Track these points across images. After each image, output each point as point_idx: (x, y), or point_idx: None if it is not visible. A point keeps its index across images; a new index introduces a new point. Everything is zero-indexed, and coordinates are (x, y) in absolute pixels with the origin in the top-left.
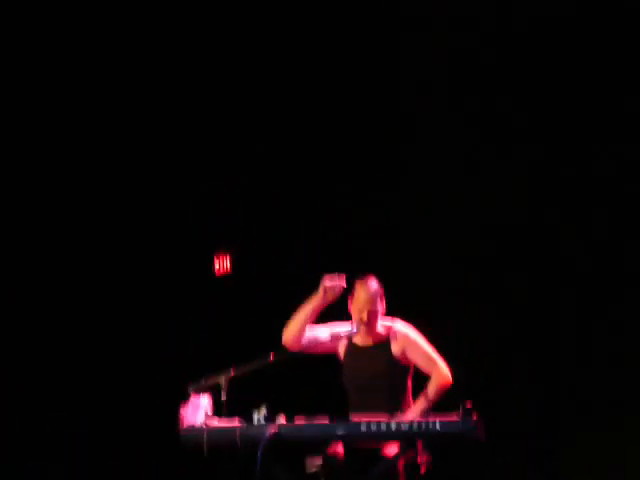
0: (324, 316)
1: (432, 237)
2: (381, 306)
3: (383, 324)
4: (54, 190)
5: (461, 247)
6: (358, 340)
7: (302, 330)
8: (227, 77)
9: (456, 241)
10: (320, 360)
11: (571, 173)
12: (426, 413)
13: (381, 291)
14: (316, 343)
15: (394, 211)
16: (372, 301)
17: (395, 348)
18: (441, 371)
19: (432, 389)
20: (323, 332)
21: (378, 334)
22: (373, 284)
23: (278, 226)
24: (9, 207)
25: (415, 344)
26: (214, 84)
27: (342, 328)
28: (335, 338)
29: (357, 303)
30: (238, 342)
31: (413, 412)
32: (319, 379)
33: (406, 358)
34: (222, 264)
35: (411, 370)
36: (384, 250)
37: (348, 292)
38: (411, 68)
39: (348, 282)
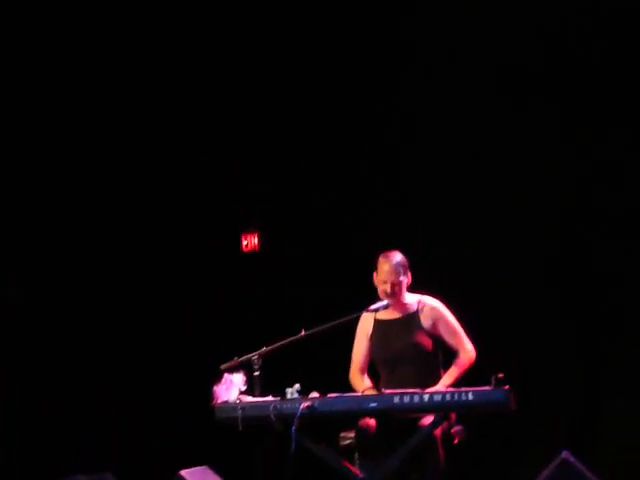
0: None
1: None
2: (406, 278)
3: (411, 297)
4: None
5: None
6: (386, 315)
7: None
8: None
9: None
10: (351, 338)
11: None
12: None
13: (406, 263)
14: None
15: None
16: (394, 272)
17: (425, 320)
18: (466, 347)
19: (458, 366)
20: (363, 346)
21: (406, 307)
22: (396, 256)
23: (306, 203)
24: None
25: (444, 318)
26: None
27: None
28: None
29: (380, 276)
30: (269, 320)
31: (439, 387)
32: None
33: (436, 331)
34: (250, 242)
35: (441, 343)
36: (415, 227)
37: (373, 268)
38: None
39: (373, 258)
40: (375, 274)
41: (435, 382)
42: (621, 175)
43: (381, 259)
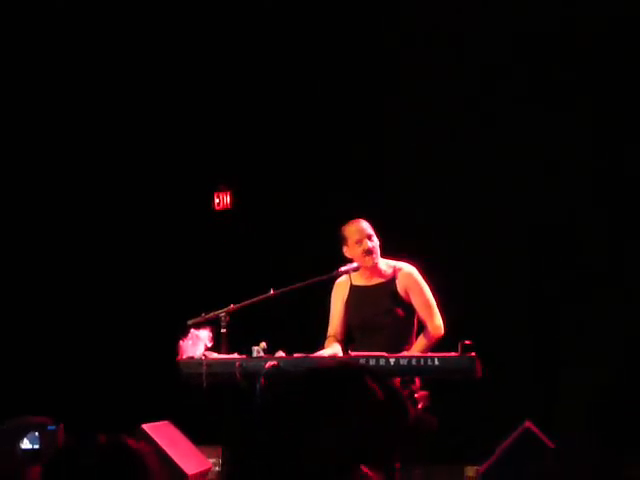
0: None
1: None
2: (377, 241)
3: (388, 263)
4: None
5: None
6: (362, 281)
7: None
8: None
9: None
10: (323, 297)
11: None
12: None
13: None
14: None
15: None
16: (368, 228)
17: (400, 287)
18: (435, 322)
19: (424, 340)
20: (339, 312)
21: (382, 273)
22: (362, 221)
23: (280, 162)
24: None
25: (418, 287)
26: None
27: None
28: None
29: (354, 237)
30: (238, 277)
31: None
32: (321, 316)
33: (408, 298)
34: (222, 200)
35: (415, 310)
36: (385, 193)
37: (340, 243)
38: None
39: (346, 218)
40: (345, 247)
41: (407, 349)
42: None
43: (347, 228)
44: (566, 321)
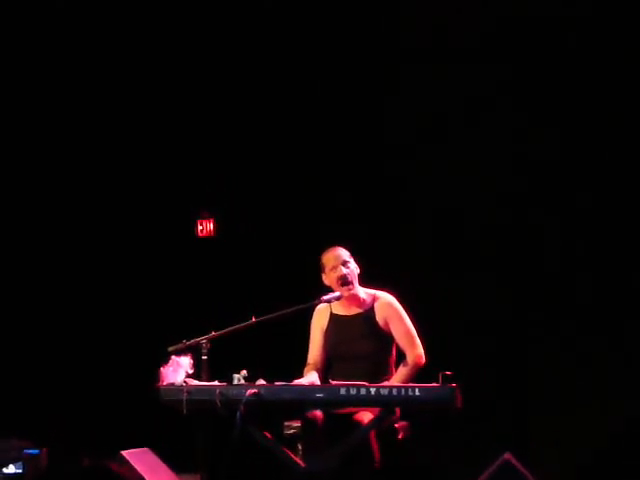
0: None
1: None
2: (355, 267)
3: (367, 292)
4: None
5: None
6: (342, 310)
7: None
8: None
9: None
10: (303, 327)
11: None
12: None
13: (349, 254)
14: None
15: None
16: (343, 254)
17: (379, 317)
18: (416, 352)
19: (405, 370)
20: (319, 340)
21: (362, 303)
22: (339, 248)
23: (263, 189)
24: None
25: (397, 316)
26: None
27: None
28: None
29: (329, 264)
30: (219, 304)
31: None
32: (302, 344)
33: (388, 328)
34: (205, 227)
35: (395, 339)
36: (369, 225)
37: (320, 271)
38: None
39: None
40: (324, 275)
41: (387, 379)
42: None
43: (324, 255)
44: (547, 353)
